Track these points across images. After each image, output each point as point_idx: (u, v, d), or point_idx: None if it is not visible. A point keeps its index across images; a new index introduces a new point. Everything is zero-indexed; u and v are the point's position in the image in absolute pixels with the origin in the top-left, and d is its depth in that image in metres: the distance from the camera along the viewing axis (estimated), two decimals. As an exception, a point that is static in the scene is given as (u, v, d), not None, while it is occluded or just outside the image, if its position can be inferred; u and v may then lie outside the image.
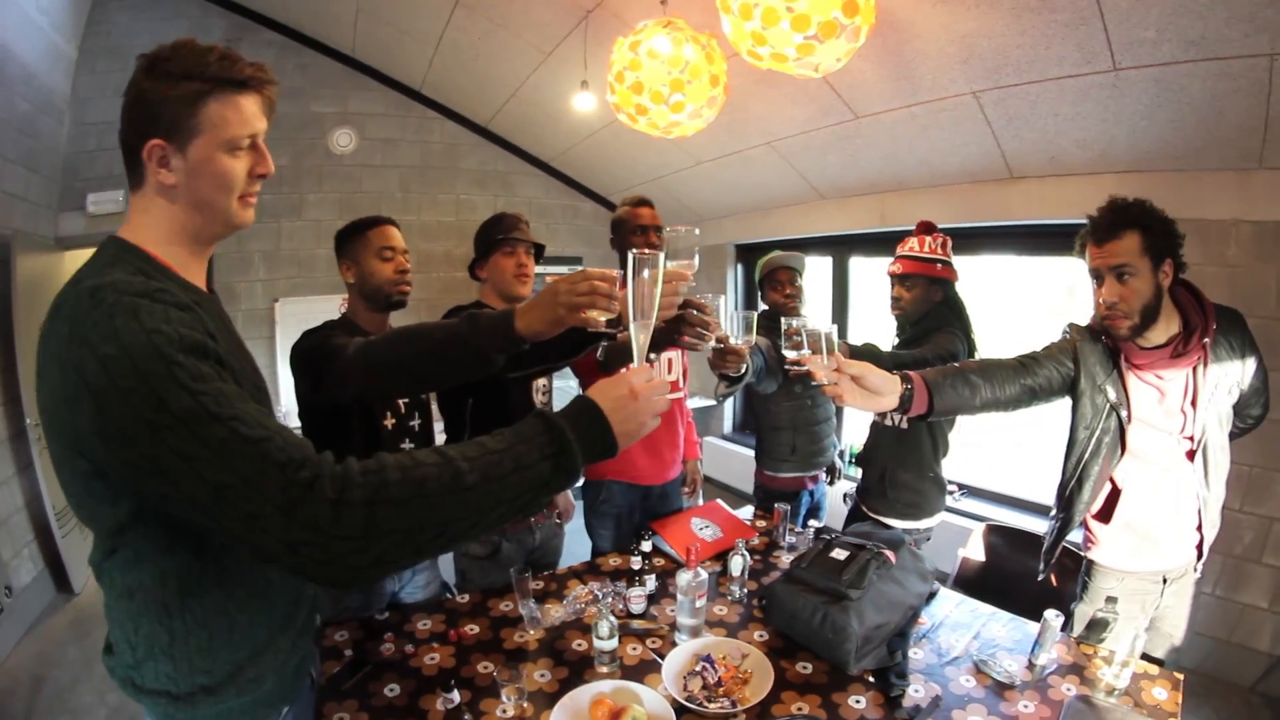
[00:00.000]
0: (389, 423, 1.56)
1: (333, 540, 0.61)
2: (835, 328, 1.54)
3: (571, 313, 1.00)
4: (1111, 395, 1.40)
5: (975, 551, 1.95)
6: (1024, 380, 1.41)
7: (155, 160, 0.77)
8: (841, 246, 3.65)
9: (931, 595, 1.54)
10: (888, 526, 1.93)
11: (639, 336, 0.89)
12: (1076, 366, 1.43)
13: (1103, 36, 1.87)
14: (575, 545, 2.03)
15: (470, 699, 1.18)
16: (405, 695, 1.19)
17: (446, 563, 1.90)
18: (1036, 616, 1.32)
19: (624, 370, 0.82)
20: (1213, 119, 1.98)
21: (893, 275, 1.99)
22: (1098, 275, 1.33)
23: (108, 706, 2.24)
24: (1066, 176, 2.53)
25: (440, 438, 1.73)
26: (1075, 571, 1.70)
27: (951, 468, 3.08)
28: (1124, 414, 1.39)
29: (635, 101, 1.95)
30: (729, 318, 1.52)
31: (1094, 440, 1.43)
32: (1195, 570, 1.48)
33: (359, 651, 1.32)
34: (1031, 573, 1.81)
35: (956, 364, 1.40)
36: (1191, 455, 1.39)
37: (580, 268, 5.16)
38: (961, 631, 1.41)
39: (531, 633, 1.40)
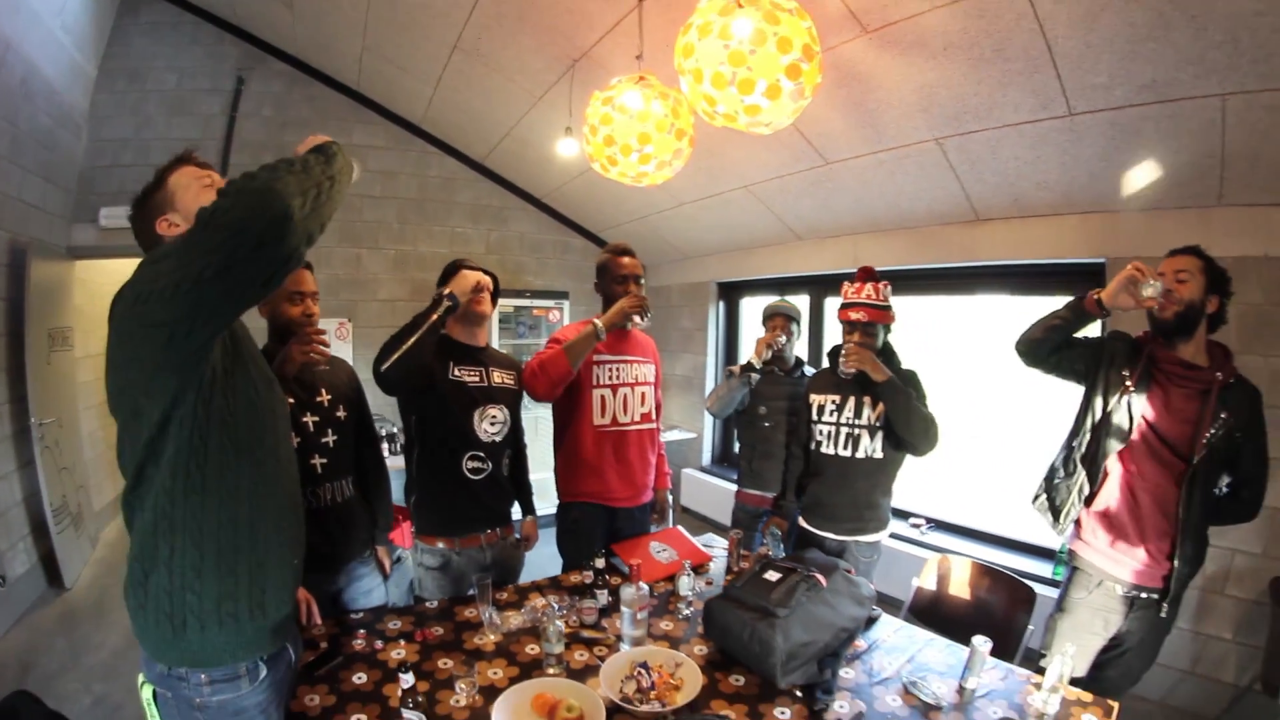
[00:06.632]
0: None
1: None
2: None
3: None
4: (1127, 376, 1.61)
5: (929, 581, 2.01)
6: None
7: None
8: (819, 286, 3.70)
9: (872, 620, 1.59)
10: (838, 552, 2.01)
11: None
12: (1097, 360, 1.68)
13: (1056, 84, 1.94)
14: (547, 562, 2.12)
15: (429, 689, 1.28)
16: (371, 683, 1.30)
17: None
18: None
19: None
20: (1169, 159, 2.04)
21: (855, 323, 2.03)
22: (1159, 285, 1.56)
23: (92, 695, 2.28)
24: (1031, 218, 2.57)
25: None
26: (1026, 602, 1.77)
27: (921, 502, 3.14)
28: (1132, 402, 1.59)
29: (607, 153, 2.06)
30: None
31: (1101, 416, 1.64)
32: (1162, 611, 1.55)
33: (333, 644, 1.45)
34: (981, 604, 1.88)
35: None
36: (1178, 480, 1.53)
37: (565, 303, 5.23)
38: (896, 655, 1.46)
39: (490, 636, 1.50)
